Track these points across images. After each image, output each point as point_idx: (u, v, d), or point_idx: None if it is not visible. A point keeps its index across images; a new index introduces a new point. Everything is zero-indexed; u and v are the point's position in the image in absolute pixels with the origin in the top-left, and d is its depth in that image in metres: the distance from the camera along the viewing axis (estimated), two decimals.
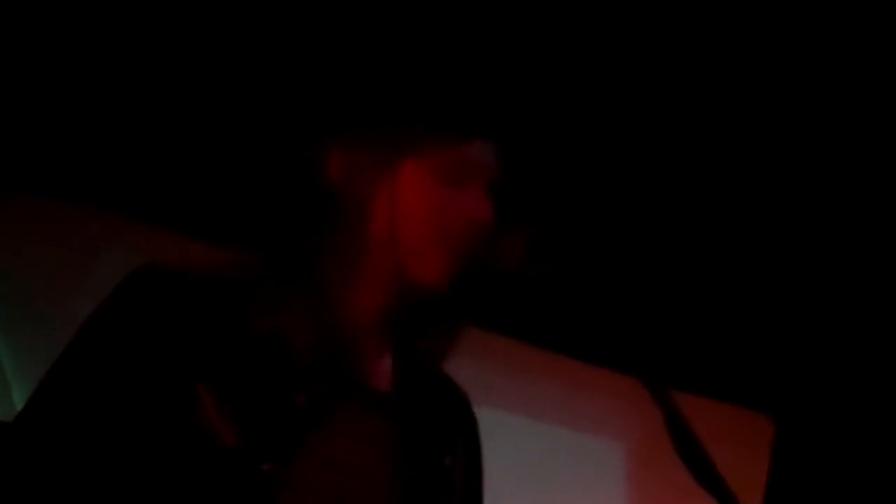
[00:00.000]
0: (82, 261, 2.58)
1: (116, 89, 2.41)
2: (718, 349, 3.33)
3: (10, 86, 2.38)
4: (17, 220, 2.57)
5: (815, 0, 2.13)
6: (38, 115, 2.46)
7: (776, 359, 3.53)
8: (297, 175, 0.95)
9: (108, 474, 0.86)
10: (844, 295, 3.25)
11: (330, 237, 0.92)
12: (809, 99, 2.47)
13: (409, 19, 0.98)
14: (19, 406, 2.58)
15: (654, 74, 2.40)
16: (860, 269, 3.11)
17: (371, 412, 0.94)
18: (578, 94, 2.34)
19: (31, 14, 2.22)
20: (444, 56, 0.94)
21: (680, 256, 3.00)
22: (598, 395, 3.16)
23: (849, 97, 2.43)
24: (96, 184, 2.53)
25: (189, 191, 2.49)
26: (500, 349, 2.92)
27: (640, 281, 2.92)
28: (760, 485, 3.54)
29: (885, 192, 2.72)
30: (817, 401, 3.69)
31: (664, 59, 2.36)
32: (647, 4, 2.22)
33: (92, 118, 2.47)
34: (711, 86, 2.47)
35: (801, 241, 3.03)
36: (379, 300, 0.93)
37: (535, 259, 0.94)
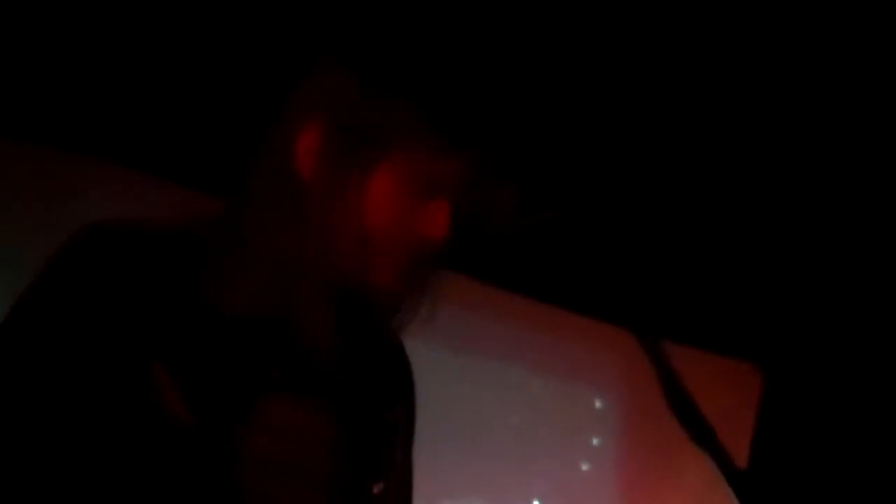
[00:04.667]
0: (59, 204, 2.54)
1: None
2: (705, 298, 3.34)
3: None
4: None
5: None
6: (17, 56, 2.43)
7: (764, 308, 3.56)
8: (269, 150, 0.93)
9: (54, 453, 0.85)
10: (831, 249, 3.27)
11: (291, 216, 0.92)
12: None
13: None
14: None
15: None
16: (845, 227, 3.14)
17: (314, 375, 0.95)
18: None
19: None
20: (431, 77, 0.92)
21: (668, 205, 3.04)
22: (587, 345, 3.17)
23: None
24: (75, 127, 2.49)
25: (167, 135, 2.46)
26: (487, 298, 2.91)
27: (629, 231, 2.93)
28: (748, 434, 3.58)
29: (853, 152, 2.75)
30: (806, 351, 3.76)
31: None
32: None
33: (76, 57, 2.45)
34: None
35: (787, 201, 3.06)
36: (326, 278, 0.93)
37: (526, 212, 0.96)
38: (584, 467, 3.31)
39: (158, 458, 0.85)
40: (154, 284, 0.88)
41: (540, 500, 3.13)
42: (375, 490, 0.98)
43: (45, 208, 2.50)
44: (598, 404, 3.37)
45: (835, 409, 3.63)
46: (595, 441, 3.34)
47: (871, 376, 3.65)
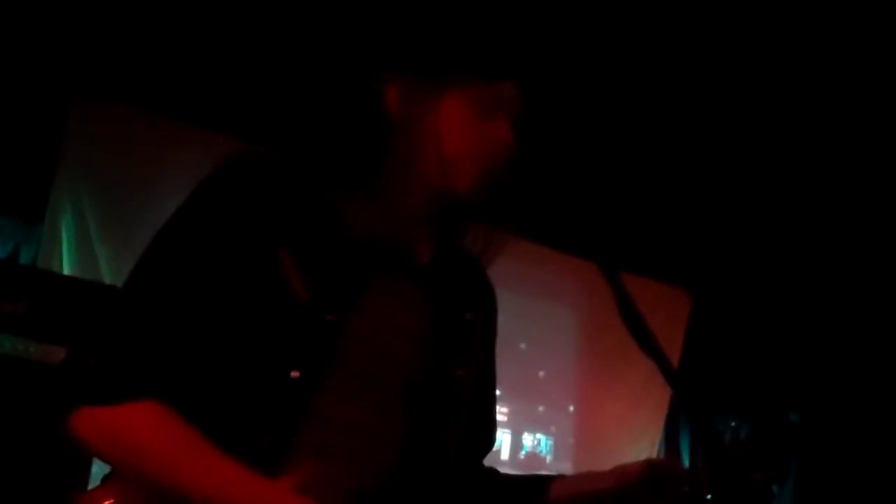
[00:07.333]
0: (158, 158, 3.00)
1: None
2: (650, 237, 3.80)
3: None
4: (110, 123, 2.99)
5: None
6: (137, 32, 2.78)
7: (695, 245, 3.99)
8: (365, 100, 1.14)
9: (207, 324, 1.04)
10: (750, 193, 3.67)
11: (389, 149, 1.12)
12: None
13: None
14: (105, 272, 2.71)
15: None
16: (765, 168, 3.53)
17: (412, 279, 1.15)
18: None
19: None
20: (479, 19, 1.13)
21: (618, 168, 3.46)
22: (559, 272, 3.83)
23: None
24: (171, 92, 2.92)
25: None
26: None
27: (593, 187, 3.43)
28: (679, 343, 4.14)
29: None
30: (727, 280, 4.14)
31: None
32: None
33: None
34: None
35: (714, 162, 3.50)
36: (424, 199, 1.13)
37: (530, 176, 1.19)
38: (552, 365, 4.10)
39: (279, 326, 1.04)
40: (282, 195, 1.08)
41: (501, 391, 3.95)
42: (458, 373, 1.17)
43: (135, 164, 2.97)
44: (565, 318, 4.10)
45: (748, 325, 4.16)
46: (561, 345, 4.11)
47: (776, 299, 4.08)
